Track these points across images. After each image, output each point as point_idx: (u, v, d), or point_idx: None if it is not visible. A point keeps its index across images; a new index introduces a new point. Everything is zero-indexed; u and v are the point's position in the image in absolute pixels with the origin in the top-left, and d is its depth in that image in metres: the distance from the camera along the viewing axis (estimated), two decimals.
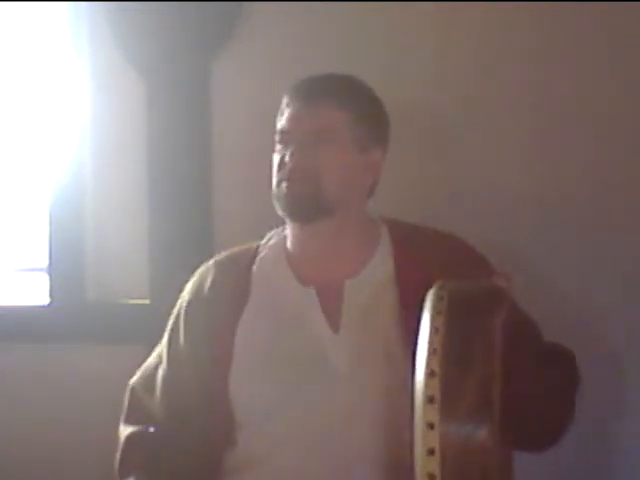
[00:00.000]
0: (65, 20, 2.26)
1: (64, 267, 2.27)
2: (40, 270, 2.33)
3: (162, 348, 1.74)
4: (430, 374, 1.21)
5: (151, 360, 1.77)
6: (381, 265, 1.65)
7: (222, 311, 1.66)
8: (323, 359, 1.59)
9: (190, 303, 1.70)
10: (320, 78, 1.67)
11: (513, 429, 1.34)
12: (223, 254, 1.76)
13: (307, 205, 1.61)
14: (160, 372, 1.72)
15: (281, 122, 1.66)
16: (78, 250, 2.27)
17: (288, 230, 1.70)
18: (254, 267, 1.70)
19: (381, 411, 1.56)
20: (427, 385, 1.21)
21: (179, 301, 1.74)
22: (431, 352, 1.22)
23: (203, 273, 1.73)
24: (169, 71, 2.18)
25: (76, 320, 2.25)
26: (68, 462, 2.20)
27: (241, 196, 2.17)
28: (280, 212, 1.64)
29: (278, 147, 1.65)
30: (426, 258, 1.63)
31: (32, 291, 2.38)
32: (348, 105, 1.63)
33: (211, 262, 1.75)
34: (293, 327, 1.62)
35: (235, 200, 2.17)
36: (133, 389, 1.76)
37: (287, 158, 1.62)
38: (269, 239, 1.74)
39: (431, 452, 1.18)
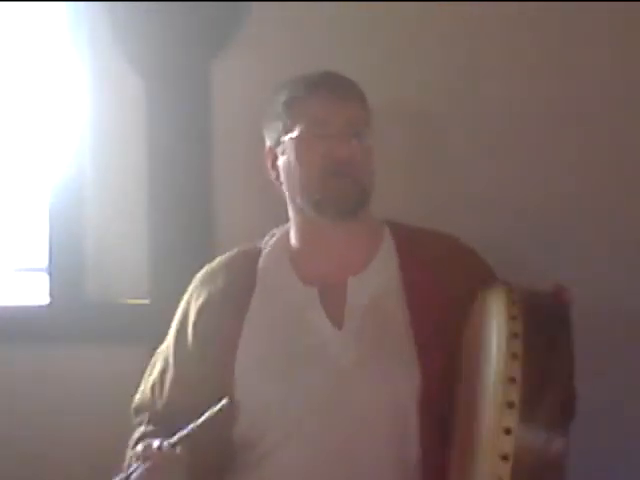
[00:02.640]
0: (65, 20, 2.26)
1: (64, 267, 2.27)
2: (40, 270, 2.33)
3: (167, 351, 1.73)
4: (510, 380, 1.18)
5: (148, 378, 1.75)
6: (384, 264, 1.66)
7: (230, 308, 1.66)
8: (326, 355, 1.59)
9: (204, 305, 1.68)
10: (331, 73, 1.68)
11: None
12: (229, 253, 1.76)
13: (357, 200, 1.62)
14: (168, 375, 1.70)
15: (312, 112, 1.62)
16: (78, 250, 2.26)
17: (293, 227, 1.70)
18: (259, 264, 1.70)
19: (384, 408, 1.56)
20: (506, 391, 1.18)
21: (185, 301, 1.74)
22: (510, 357, 1.20)
23: (212, 273, 1.73)
24: (169, 71, 2.18)
25: (76, 320, 2.25)
26: (68, 462, 2.20)
27: (241, 196, 2.16)
28: (322, 209, 1.62)
29: (313, 139, 1.62)
30: (429, 258, 1.63)
31: (32, 291, 2.38)
32: (363, 100, 1.66)
33: (219, 261, 1.75)
34: (296, 324, 1.63)
35: (235, 200, 2.17)
36: (135, 410, 1.75)
37: (338, 150, 1.60)
38: (271, 237, 1.74)
39: (505, 458, 1.16)
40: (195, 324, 1.68)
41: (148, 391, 1.74)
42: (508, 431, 1.16)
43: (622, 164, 2.03)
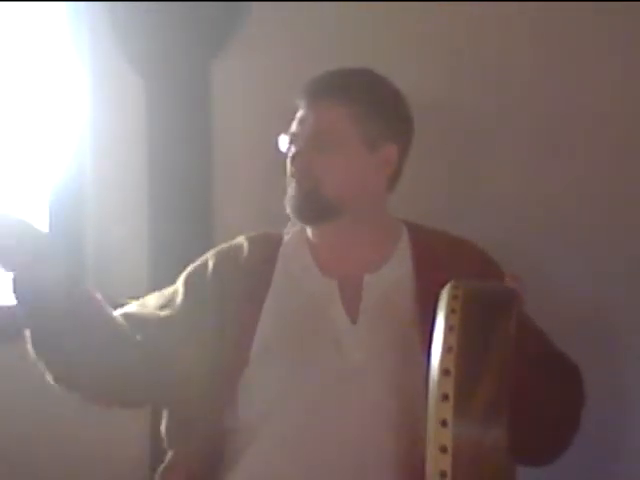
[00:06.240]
0: (65, 20, 2.26)
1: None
2: None
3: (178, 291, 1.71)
4: (444, 372, 1.20)
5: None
6: (400, 263, 1.67)
7: (250, 290, 1.65)
8: (340, 348, 1.60)
9: (231, 275, 1.66)
10: (326, 76, 1.66)
11: (515, 440, 1.34)
12: (253, 233, 1.75)
13: (309, 208, 1.63)
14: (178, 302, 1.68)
15: (291, 127, 1.66)
16: (78, 250, 2.27)
17: None
18: (280, 250, 1.70)
19: (395, 404, 1.57)
20: (441, 383, 1.20)
21: (198, 265, 1.71)
22: (446, 350, 1.21)
23: (236, 246, 1.71)
24: (169, 71, 2.18)
25: None
26: (68, 461, 2.20)
27: (241, 196, 2.17)
28: (289, 213, 1.65)
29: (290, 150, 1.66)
30: (443, 260, 1.64)
31: None
32: (351, 104, 1.61)
33: (241, 238, 1.73)
34: (312, 315, 1.63)
35: (235, 200, 2.17)
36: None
37: (290, 161, 1.63)
38: (294, 224, 1.73)
39: (443, 450, 1.18)
40: (221, 293, 1.66)
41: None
42: (444, 423, 1.18)
43: (623, 164, 2.03)
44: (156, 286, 2.18)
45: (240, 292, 1.65)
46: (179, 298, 1.68)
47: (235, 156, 2.17)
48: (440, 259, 1.64)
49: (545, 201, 2.05)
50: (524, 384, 1.41)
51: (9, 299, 2.38)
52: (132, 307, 1.70)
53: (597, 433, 1.98)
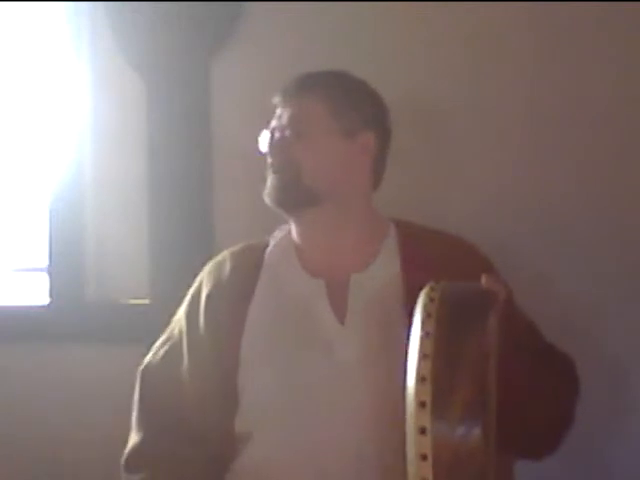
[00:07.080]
0: (65, 20, 2.26)
1: (64, 267, 2.27)
2: (40, 270, 2.33)
3: (179, 335, 1.72)
4: (421, 380, 1.19)
5: (160, 344, 1.75)
6: (387, 261, 1.66)
7: (235, 296, 1.66)
8: (329, 350, 1.59)
9: (211, 292, 1.69)
10: (300, 75, 1.69)
11: (510, 433, 1.33)
12: (237, 245, 1.76)
13: (289, 194, 1.63)
14: (184, 365, 1.69)
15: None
16: (78, 250, 2.27)
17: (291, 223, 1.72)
18: (265, 257, 1.71)
19: (383, 404, 1.56)
20: (418, 391, 1.19)
21: (194, 289, 1.73)
22: (422, 357, 1.20)
23: (219, 262, 1.73)
24: (169, 71, 2.19)
25: (76, 320, 2.25)
26: (68, 462, 2.20)
27: (241, 196, 2.16)
28: (269, 204, 1.66)
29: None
30: (432, 257, 1.63)
31: (32, 291, 2.38)
32: (324, 95, 1.64)
33: (226, 252, 1.75)
34: (300, 317, 1.63)
35: (235, 200, 2.17)
36: (145, 371, 1.74)
37: (268, 151, 1.65)
38: (280, 231, 1.74)
39: (424, 457, 1.17)
40: (204, 313, 1.69)
41: (156, 359, 1.74)
42: (423, 430, 1.17)
43: (623, 164, 2.03)
44: (156, 286, 2.20)
45: (225, 302, 1.66)
46: (184, 339, 1.71)
47: (235, 155, 2.16)
48: (430, 258, 1.63)
49: (545, 201, 2.05)
50: (517, 376, 1.40)
51: (9, 299, 2.40)
52: None
53: (597, 432, 1.98)
